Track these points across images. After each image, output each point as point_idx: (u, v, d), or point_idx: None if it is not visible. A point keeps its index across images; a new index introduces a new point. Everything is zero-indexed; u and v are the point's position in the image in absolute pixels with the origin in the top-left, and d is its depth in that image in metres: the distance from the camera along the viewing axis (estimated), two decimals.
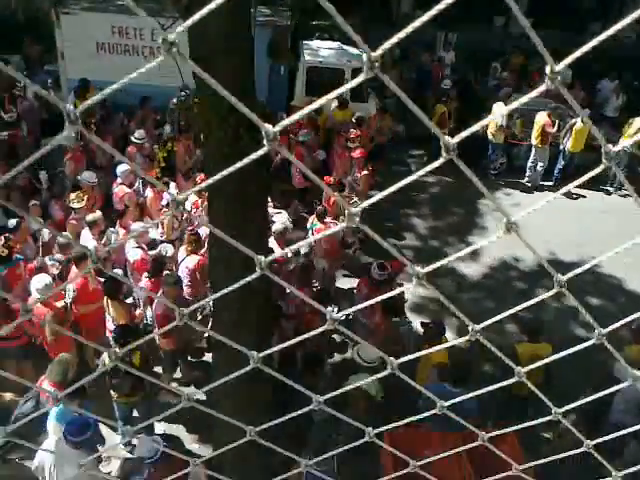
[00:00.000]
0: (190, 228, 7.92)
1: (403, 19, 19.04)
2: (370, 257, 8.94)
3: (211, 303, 7.29)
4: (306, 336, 1.20)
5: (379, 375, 1.23)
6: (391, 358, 1.15)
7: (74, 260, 6.88)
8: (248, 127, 4.23)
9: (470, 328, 1.11)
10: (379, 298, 1.17)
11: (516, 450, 5.31)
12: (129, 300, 7.48)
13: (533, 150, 12.65)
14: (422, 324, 6.97)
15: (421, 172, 0.95)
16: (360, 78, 0.85)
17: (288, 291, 7.15)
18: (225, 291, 1.07)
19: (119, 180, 8.78)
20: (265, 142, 0.82)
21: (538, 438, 6.39)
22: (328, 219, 8.61)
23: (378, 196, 1.00)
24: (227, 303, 4.92)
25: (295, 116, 0.91)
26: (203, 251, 7.60)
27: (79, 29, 11.80)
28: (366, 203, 0.97)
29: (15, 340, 6.51)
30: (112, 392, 6.15)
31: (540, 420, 1.37)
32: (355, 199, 9.58)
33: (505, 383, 1.24)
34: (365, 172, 10.05)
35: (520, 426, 1.38)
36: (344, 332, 1.18)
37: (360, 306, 1.26)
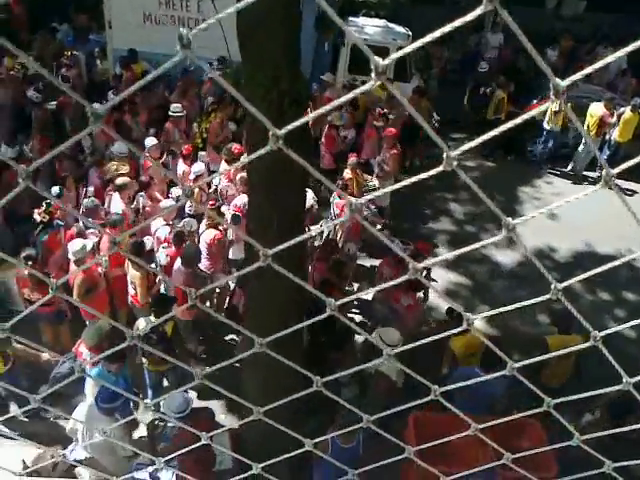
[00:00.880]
0: (211, 202, 7.95)
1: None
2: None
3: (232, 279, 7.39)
4: (310, 322, 1.20)
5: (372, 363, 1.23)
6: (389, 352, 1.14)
7: (109, 224, 7.02)
8: (292, 100, 4.21)
9: (465, 320, 1.09)
10: (402, 279, 1.13)
11: (541, 440, 5.29)
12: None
13: (583, 140, 12.30)
14: (448, 311, 6.95)
15: (414, 179, 0.94)
16: (366, 86, 0.84)
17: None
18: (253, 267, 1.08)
19: (146, 152, 8.88)
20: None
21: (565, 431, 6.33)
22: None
23: (392, 187, 1.00)
24: (260, 275, 4.95)
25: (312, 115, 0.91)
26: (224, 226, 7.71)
27: (127, 0, 11.89)
28: (370, 196, 0.97)
29: (49, 306, 6.71)
30: (143, 359, 6.28)
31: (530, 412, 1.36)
32: (371, 180, 9.45)
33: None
34: (394, 151, 9.81)
35: (509, 418, 1.37)
36: (344, 319, 1.18)
37: (385, 285, 1.25)
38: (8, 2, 15.24)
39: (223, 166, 8.83)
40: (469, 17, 0.75)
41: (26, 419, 6.51)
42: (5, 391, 6.36)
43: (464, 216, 11.03)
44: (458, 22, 0.76)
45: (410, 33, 12.69)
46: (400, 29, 12.89)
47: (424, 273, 7.92)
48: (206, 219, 7.57)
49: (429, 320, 7.75)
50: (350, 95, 0.92)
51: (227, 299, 7.72)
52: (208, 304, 7.62)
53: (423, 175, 0.93)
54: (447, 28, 0.77)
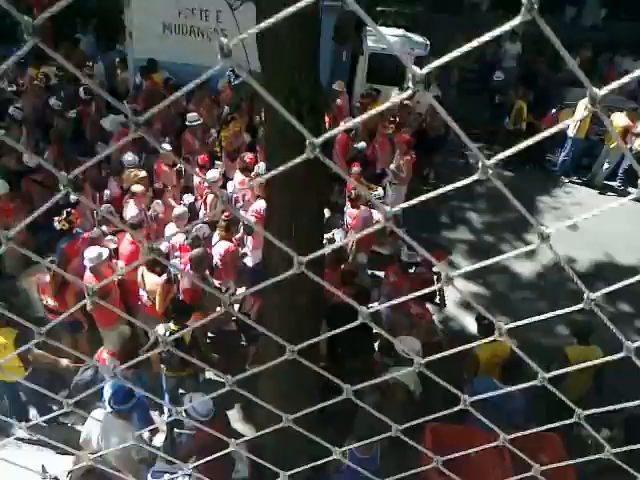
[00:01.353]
0: (226, 214, 7.96)
1: (470, 8, 18.64)
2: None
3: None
4: (342, 329, 1.20)
5: (410, 369, 1.22)
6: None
7: (129, 228, 7.03)
8: (310, 108, 4.23)
9: (497, 329, 1.08)
10: (423, 291, 1.14)
11: (559, 455, 5.21)
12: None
13: (604, 150, 12.21)
14: (477, 319, 6.90)
15: (450, 187, 0.94)
16: (404, 94, 0.85)
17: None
18: (278, 278, 1.08)
19: (160, 159, 8.95)
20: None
21: (584, 444, 6.25)
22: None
23: (416, 200, 0.99)
24: (279, 285, 4.96)
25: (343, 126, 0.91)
26: (238, 236, 7.74)
27: (147, 10, 12.03)
28: (403, 205, 0.97)
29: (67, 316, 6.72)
30: (161, 365, 6.31)
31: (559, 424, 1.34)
32: (377, 190, 9.39)
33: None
34: (408, 158, 9.77)
35: (541, 428, 1.35)
36: (376, 328, 1.17)
37: (404, 298, 1.25)
38: (32, 13, 15.52)
39: (237, 174, 8.90)
40: (506, 27, 0.75)
41: (45, 424, 6.57)
42: (25, 396, 6.43)
43: (482, 225, 10.97)
44: (494, 33, 0.77)
45: (428, 42, 12.70)
46: (418, 38, 12.91)
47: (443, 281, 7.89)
48: (219, 230, 7.58)
49: (437, 330, 7.70)
50: (389, 103, 0.92)
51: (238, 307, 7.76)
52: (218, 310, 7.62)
53: (458, 184, 0.94)
54: (484, 38, 0.78)
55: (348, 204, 8.78)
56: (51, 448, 6.12)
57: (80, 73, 0.91)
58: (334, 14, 11.41)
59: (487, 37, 0.78)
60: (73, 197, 7.66)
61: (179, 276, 6.97)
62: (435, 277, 7.53)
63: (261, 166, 8.58)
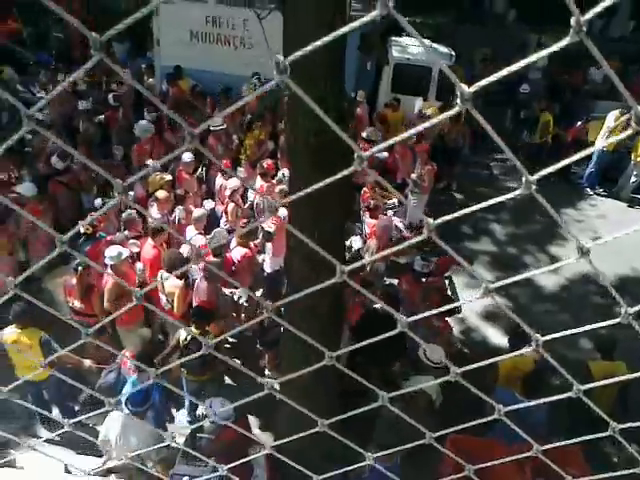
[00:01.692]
0: (244, 220, 7.99)
1: (496, 19, 18.56)
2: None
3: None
4: (381, 337, 1.21)
5: (440, 379, 1.23)
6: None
7: (151, 232, 7.15)
8: (336, 118, 4.26)
9: (534, 340, 1.08)
10: (448, 306, 1.15)
11: (583, 469, 5.14)
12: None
13: (632, 163, 12.03)
14: (511, 331, 6.87)
15: (491, 201, 0.95)
16: (453, 111, 0.86)
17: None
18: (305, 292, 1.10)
19: (181, 167, 9.05)
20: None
21: (607, 460, 6.16)
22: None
23: (460, 212, 1.00)
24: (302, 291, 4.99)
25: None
26: (257, 242, 7.81)
27: (175, 18, 12.21)
28: (446, 217, 0.98)
29: (91, 317, 6.85)
30: (182, 369, 6.35)
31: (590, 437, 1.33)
32: (391, 198, 9.34)
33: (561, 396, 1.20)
34: (429, 167, 9.79)
35: (574, 440, 1.35)
36: (413, 336, 1.18)
37: (433, 311, 1.26)
38: (64, 21, 15.83)
39: (257, 180, 8.99)
40: (553, 48, 0.77)
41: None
42: (47, 394, 6.52)
43: (505, 237, 10.89)
44: (542, 53, 0.78)
45: (453, 53, 12.69)
46: (444, 49, 12.89)
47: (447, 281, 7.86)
48: (237, 236, 7.61)
49: (455, 342, 7.65)
50: (436, 120, 0.95)
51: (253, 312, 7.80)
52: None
53: (501, 198, 0.95)
54: (535, 57, 0.79)
55: (366, 214, 8.77)
56: (71, 448, 6.20)
57: (142, 88, 0.94)
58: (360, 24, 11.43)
59: (534, 58, 0.80)
60: (98, 202, 7.80)
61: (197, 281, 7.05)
62: (447, 285, 7.53)
63: (285, 173, 8.63)
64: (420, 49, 12.90)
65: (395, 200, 9.26)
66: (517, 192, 0.90)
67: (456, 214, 1.01)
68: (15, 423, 6.27)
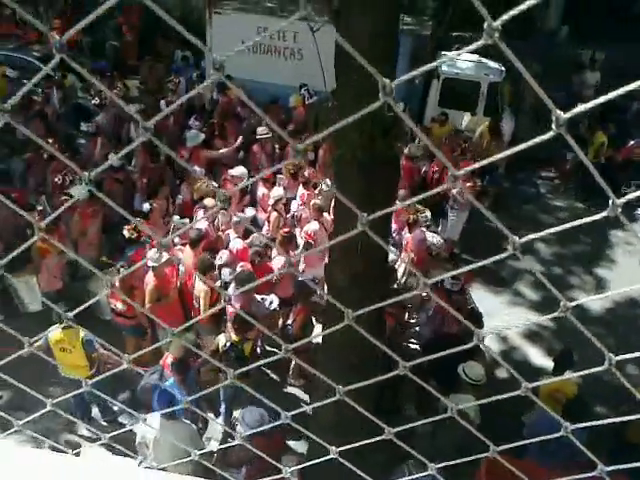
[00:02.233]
0: (285, 230, 7.96)
1: (547, 35, 18.27)
2: None
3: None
4: (457, 350, 1.20)
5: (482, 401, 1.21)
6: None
7: (190, 240, 7.29)
8: (383, 130, 4.27)
9: (607, 359, 1.06)
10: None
11: None
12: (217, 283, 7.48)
13: None
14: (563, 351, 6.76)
15: (568, 225, 0.94)
16: (546, 136, 0.86)
17: None
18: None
19: (228, 177, 9.14)
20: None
21: None
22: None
23: (545, 232, 1.00)
24: (341, 302, 5.00)
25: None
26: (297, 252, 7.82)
27: (227, 28, 12.42)
28: (532, 236, 0.98)
29: (132, 319, 7.03)
30: (220, 374, 6.41)
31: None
32: (424, 211, 9.13)
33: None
34: (470, 183, 9.59)
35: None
36: (488, 350, 1.17)
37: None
38: (121, 29, 16.32)
39: (299, 189, 9.07)
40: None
41: (106, 424, 6.80)
42: (88, 395, 6.66)
43: (550, 256, 10.66)
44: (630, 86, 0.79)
45: (503, 68, 12.55)
46: (493, 64, 12.76)
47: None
48: (277, 245, 7.63)
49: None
50: (529, 143, 0.94)
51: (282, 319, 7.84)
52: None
53: (584, 220, 0.94)
54: (612, 95, 0.79)
55: (406, 228, 8.67)
56: (108, 449, 6.32)
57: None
58: (411, 37, 11.46)
59: (620, 91, 0.79)
60: (146, 206, 7.97)
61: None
62: (468, 301, 7.52)
63: (327, 182, 8.66)
64: (470, 64, 12.81)
65: (428, 214, 9.10)
66: (603, 214, 0.90)
67: (542, 233, 1.00)
68: (56, 420, 6.42)
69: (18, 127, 1.00)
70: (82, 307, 1.21)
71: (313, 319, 7.87)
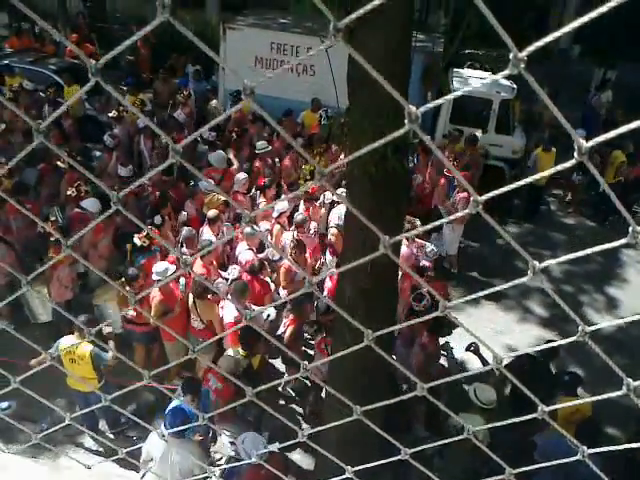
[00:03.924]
0: (296, 238, 7.98)
1: (559, 54, 18.30)
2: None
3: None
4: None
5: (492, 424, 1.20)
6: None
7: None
8: (394, 148, 4.28)
9: (625, 385, 1.05)
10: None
11: None
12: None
13: None
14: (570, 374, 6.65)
15: (588, 251, 0.94)
16: (568, 164, 0.87)
17: None
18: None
19: (235, 187, 9.17)
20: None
21: None
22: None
23: (573, 255, 1.00)
24: (350, 310, 4.98)
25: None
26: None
27: (241, 44, 12.55)
28: (554, 261, 0.99)
29: (142, 326, 7.06)
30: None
31: None
32: (416, 221, 8.99)
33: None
34: (462, 195, 9.51)
35: None
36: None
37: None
38: (136, 44, 16.48)
39: (301, 204, 9.13)
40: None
41: (112, 435, 6.78)
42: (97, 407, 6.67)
43: (561, 275, 10.59)
44: None
45: (515, 86, 12.56)
46: (505, 82, 12.77)
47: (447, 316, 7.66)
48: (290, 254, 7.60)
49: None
50: (552, 171, 0.95)
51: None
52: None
53: (605, 246, 0.95)
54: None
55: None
56: (113, 461, 6.29)
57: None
58: (422, 54, 11.51)
59: None
60: (157, 218, 8.01)
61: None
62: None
63: (327, 195, 8.94)
64: (481, 81, 12.81)
65: (418, 222, 8.91)
66: (622, 241, 0.90)
67: (567, 257, 1.01)
68: (63, 431, 6.42)
69: (52, 147, 1.06)
70: (104, 324, 1.22)
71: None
